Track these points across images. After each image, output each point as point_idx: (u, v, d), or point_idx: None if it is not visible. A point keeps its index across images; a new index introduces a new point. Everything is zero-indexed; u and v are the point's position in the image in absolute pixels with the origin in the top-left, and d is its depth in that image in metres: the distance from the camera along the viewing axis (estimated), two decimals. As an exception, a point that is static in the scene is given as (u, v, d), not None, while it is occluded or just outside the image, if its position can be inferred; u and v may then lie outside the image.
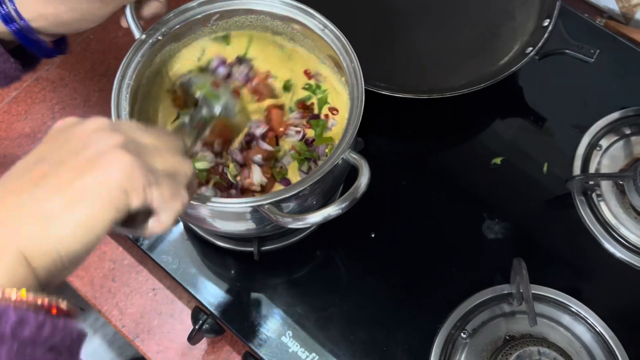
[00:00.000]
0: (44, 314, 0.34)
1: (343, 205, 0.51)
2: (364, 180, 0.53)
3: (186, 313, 0.81)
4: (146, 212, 0.41)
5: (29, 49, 0.59)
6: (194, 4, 0.64)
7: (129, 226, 0.42)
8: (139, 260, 0.80)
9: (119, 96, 0.60)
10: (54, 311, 0.35)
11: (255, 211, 0.57)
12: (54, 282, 0.37)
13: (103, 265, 0.80)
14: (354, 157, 0.55)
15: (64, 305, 0.35)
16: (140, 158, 0.39)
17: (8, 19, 0.56)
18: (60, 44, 0.63)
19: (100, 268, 0.80)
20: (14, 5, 0.56)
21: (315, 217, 0.51)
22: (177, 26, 0.65)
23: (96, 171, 0.37)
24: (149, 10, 0.63)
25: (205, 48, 0.70)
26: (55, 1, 0.57)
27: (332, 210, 0.51)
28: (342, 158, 0.56)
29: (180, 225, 0.77)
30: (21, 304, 0.33)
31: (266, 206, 0.52)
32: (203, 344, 0.79)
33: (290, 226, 0.53)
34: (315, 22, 0.64)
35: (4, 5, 0.56)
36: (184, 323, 0.80)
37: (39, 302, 0.34)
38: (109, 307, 0.78)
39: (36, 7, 0.56)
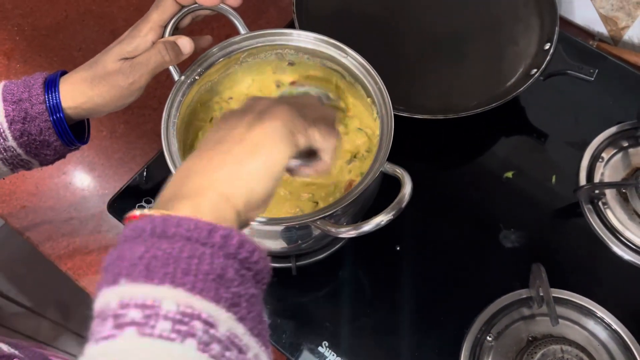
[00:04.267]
0: (252, 242, 0.39)
1: (391, 214, 0.56)
2: (407, 189, 0.58)
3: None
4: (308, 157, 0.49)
5: (60, 138, 0.63)
6: (237, 39, 0.69)
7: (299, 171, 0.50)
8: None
9: (167, 134, 0.64)
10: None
11: (299, 228, 0.61)
12: (250, 220, 0.43)
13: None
14: (395, 169, 0.60)
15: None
16: (294, 110, 0.46)
17: (54, 109, 0.61)
18: (82, 133, 0.68)
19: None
20: (59, 95, 0.61)
21: (367, 226, 0.56)
22: (218, 60, 0.70)
23: (264, 122, 0.44)
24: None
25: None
26: (99, 83, 0.61)
27: (381, 219, 0.56)
28: (381, 171, 0.61)
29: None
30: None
31: (318, 221, 0.57)
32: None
33: (342, 236, 0.58)
34: (339, 52, 0.70)
35: (53, 95, 0.61)
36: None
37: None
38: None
39: (84, 91, 0.62)
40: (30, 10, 1.05)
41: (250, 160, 0.42)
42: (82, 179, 0.91)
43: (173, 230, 0.36)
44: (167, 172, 0.63)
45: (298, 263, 0.77)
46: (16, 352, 0.58)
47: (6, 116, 0.60)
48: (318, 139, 0.47)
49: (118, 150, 0.93)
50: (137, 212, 0.39)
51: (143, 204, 0.82)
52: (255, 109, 0.46)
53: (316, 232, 0.65)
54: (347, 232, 0.57)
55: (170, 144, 0.63)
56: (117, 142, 0.94)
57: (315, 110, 0.49)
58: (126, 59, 0.62)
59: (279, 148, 0.43)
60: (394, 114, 0.66)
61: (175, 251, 0.35)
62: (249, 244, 0.38)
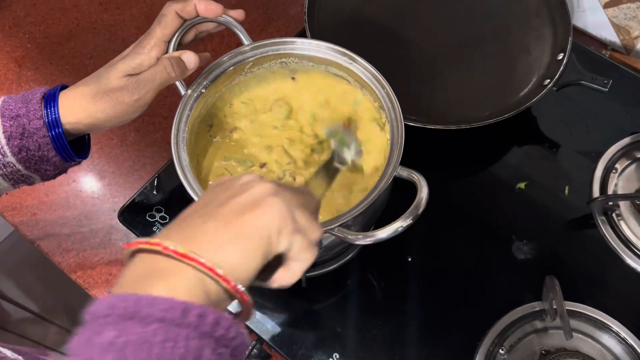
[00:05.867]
0: (229, 318, 0.38)
1: (410, 219, 0.56)
2: (424, 194, 0.57)
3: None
4: (274, 266, 0.45)
5: (59, 153, 0.63)
6: (246, 48, 0.69)
7: (260, 278, 0.44)
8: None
9: (178, 149, 0.64)
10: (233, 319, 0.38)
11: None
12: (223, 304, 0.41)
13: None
14: (411, 174, 0.60)
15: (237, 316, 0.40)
16: (289, 207, 0.43)
17: (53, 125, 0.60)
18: (82, 149, 0.67)
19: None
20: (58, 110, 0.60)
21: (385, 233, 0.55)
22: (224, 72, 0.70)
23: (256, 211, 0.41)
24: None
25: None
26: (101, 99, 0.61)
27: (400, 224, 0.55)
28: (396, 175, 0.60)
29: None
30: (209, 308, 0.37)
31: (336, 229, 0.57)
32: (247, 370, 0.82)
33: (359, 242, 0.57)
34: (346, 58, 0.70)
35: (52, 110, 0.60)
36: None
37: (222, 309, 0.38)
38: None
39: (85, 106, 0.61)
40: (42, 19, 1.06)
41: (233, 247, 0.40)
42: (93, 187, 0.91)
43: (146, 311, 0.35)
44: (177, 182, 0.63)
45: (308, 274, 0.76)
46: (20, 358, 0.57)
47: (4, 132, 0.59)
48: (296, 247, 0.43)
49: (128, 158, 0.93)
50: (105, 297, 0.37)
51: (154, 212, 0.82)
52: (251, 191, 0.43)
53: (326, 241, 0.64)
54: (365, 239, 0.56)
55: (181, 159, 0.63)
56: (127, 150, 0.94)
57: (308, 217, 0.45)
58: (131, 75, 0.61)
59: (261, 245, 0.41)
60: (406, 124, 0.66)
61: (148, 334, 0.34)
62: (225, 320, 0.37)
